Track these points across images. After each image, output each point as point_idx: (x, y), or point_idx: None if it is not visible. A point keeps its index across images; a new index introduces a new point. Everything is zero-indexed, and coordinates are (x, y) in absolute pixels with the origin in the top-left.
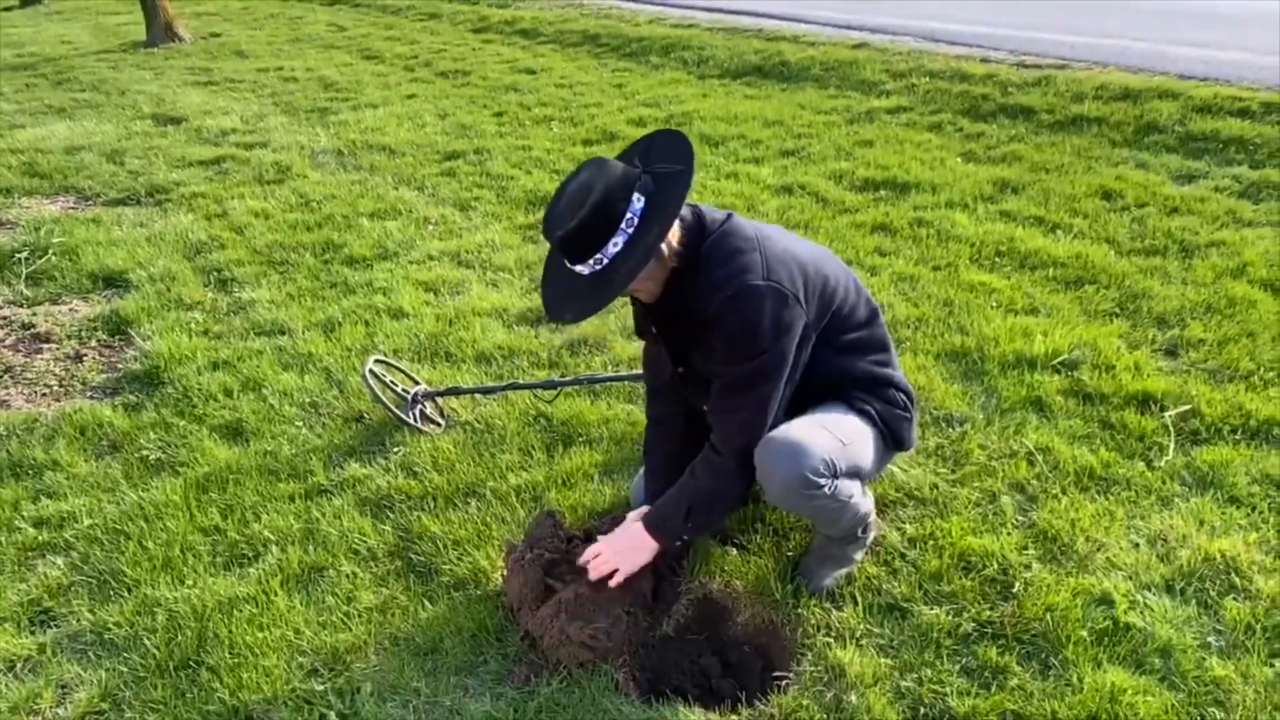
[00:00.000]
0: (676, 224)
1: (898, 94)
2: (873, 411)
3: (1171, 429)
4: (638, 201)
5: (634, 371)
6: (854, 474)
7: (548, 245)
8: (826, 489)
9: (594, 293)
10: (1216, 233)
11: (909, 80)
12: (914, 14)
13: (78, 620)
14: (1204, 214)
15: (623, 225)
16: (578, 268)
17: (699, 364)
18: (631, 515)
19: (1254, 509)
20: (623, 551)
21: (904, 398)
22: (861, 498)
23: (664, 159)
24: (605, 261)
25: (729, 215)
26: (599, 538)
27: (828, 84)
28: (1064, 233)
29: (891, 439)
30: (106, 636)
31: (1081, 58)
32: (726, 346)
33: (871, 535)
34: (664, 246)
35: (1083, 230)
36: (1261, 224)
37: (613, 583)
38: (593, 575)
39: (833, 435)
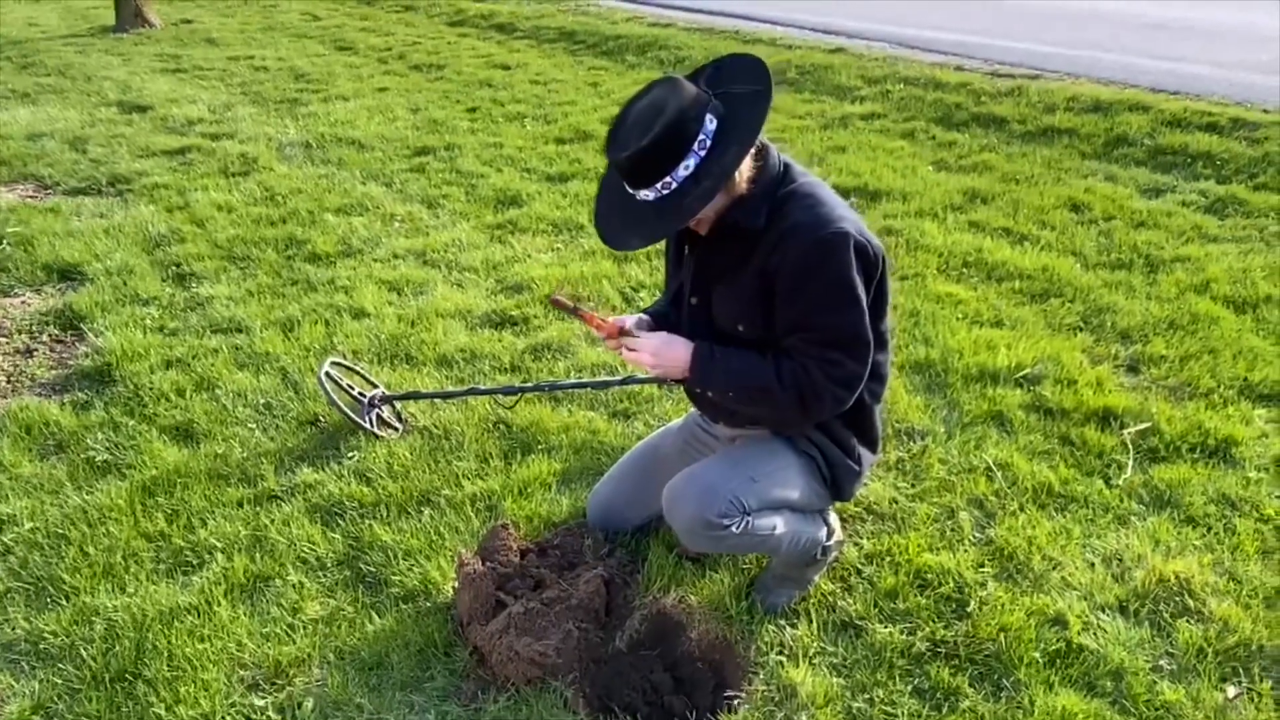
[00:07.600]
0: (749, 154)
1: (872, 100)
2: (818, 457)
3: (1130, 447)
4: (710, 123)
5: (597, 379)
6: (773, 508)
7: (605, 168)
8: (734, 528)
9: (661, 218)
10: (1182, 248)
11: (884, 86)
12: (890, 19)
13: (12, 628)
14: (1170, 229)
15: (694, 147)
16: (641, 193)
17: (719, 303)
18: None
19: (1209, 529)
20: (660, 353)
21: (865, 452)
22: (797, 527)
23: (736, 82)
24: (674, 186)
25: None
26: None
27: (803, 88)
28: (1031, 244)
29: (831, 487)
30: (42, 646)
31: (1054, 68)
32: (812, 295)
33: (832, 557)
34: (737, 173)
35: (1050, 242)
36: (1226, 240)
37: (626, 357)
38: (625, 349)
39: (742, 473)
